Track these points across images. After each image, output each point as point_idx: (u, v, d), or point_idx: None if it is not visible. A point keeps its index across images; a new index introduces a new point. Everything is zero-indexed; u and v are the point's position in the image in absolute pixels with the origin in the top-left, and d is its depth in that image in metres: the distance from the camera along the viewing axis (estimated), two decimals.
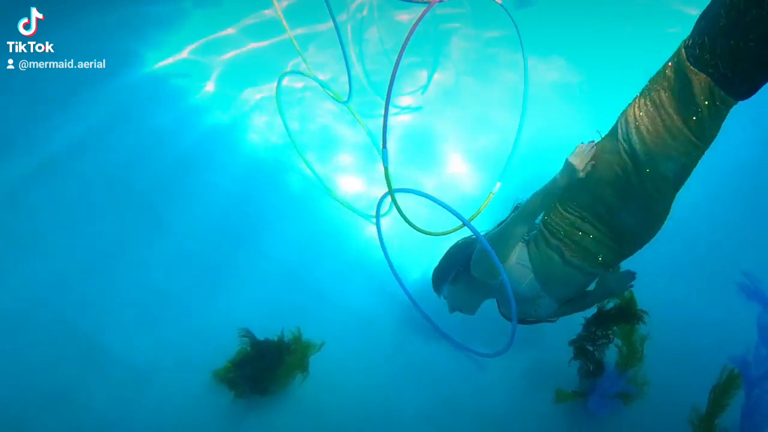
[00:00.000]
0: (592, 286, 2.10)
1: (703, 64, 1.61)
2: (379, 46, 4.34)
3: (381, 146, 1.78)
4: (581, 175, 1.85)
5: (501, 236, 1.99)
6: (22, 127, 3.62)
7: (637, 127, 1.76)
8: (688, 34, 1.67)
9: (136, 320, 2.55)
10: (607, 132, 1.92)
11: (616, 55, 4.16)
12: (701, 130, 1.70)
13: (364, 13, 4.38)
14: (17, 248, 2.85)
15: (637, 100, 1.81)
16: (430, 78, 4.11)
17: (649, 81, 1.80)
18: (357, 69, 4.05)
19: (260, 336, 2.25)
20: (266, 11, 4.81)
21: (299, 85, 4.11)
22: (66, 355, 2.39)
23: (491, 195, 2.34)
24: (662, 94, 1.72)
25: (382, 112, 3.79)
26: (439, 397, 2.30)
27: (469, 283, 2.16)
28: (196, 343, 2.44)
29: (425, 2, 1.85)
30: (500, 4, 2.17)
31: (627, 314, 2.12)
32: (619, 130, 1.82)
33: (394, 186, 1.88)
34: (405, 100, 3.99)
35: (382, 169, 1.84)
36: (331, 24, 2.16)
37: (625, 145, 1.79)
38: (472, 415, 2.25)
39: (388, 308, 2.42)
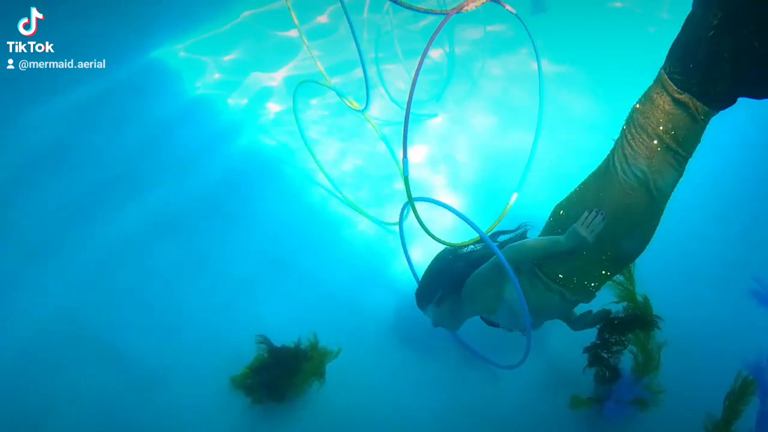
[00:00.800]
0: None
1: (687, 85, 1.69)
2: (393, 53, 4.35)
3: (401, 156, 1.77)
4: (591, 241, 1.85)
5: (483, 279, 2.05)
6: (22, 127, 3.56)
7: (636, 161, 1.80)
8: (666, 61, 1.76)
9: (153, 324, 2.55)
10: (598, 170, 1.95)
11: (631, 57, 4.13)
12: (691, 145, 1.80)
13: (378, 20, 4.38)
14: (24, 252, 2.81)
15: (626, 135, 1.84)
16: (445, 86, 4.12)
17: (634, 111, 1.84)
18: (372, 76, 4.06)
19: (277, 342, 2.24)
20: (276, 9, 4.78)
21: (315, 93, 4.11)
22: (83, 358, 2.39)
23: (507, 207, 2.33)
24: (652, 120, 1.77)
25: (399, 119, 3.80)
26: (454, 403, 2.31)
27: (455, 304, 2.17)
28: (213, 348, 2.44)
29: (443, 14, 1.84)
30: (515, 14, 2.17)
31: (641, 321, 2.14)
32: (618, 170, 1.83)
33: (413, 194, 1.87)
34: (419, 108, 3.99)
35: (401, 176, 1.83)
36: (344, 31, 2.14)
37: (632, 181, 1.82)
38: (487, 420, 2.26)
39: (403, 314, 2.41)
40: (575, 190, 2.01)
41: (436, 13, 1.92)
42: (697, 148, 1.83)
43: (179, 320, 2.56)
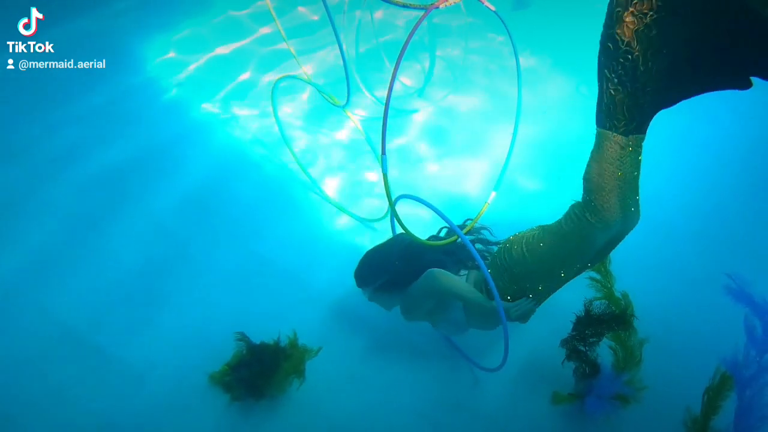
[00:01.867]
0: None
1: (619, 127, 1.70)
2: (372, 46, 4.34)
3: (380, 153, 1.78)
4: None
5: (413, 301, 2.10)
6: (22, 127, 3.61)
7: (609, 213, 1.79)
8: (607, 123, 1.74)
9: (131, 320, 2.54)
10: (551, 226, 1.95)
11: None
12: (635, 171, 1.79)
13: (357, 13, 4.38)
14: (14, 249, 2.84)
15: (590, 202, 1.81)
16: (427, 80, 4.12)
17: (588, 179, 1.80)
18: (352, 70, 4.06)
19: (256, 339, 2.24)
20: (262, 9, 4.81)
21: (295, 87, 4.11)
22: (59, 355, 2.38)
23: (486, 205, 2.32)
24: (607, 175, 1.74)
25: (379, 114, 3.79)
26: (439, 400, 2.31)
27: (397, 293, 2.17)
28: (191, 344, 2.43)
29: (422, 8, 1.85)
30: (494, 11, 2.17)
31: (619, 319, 2.14)
32: (587, 221, 1.82)
33: (393, 190, 1.87)
34: (401, 103, 3.99)
35: (382, 173, 1.83)
36: (322, 24, 2.13)
37: (599, 228, 1.82)
38: (471, 416, 2.26)
39: (385, 312, 2.41)
40: (527, 252, 1.97)
41: (415, 8, 1.92)
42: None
43: (159, 317, 2.56)
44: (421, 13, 1.84)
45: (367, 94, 3.91)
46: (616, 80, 1.65)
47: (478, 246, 2.31)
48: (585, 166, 1.83)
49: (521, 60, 2.35)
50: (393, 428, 2.23)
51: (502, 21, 2.20)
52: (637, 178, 1.78)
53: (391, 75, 1.72)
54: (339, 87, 3.96)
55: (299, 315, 2.54)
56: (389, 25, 4.71)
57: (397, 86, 4.12)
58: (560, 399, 2.20)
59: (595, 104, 1.77)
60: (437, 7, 1.83)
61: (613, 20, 1.60)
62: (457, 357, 2.44)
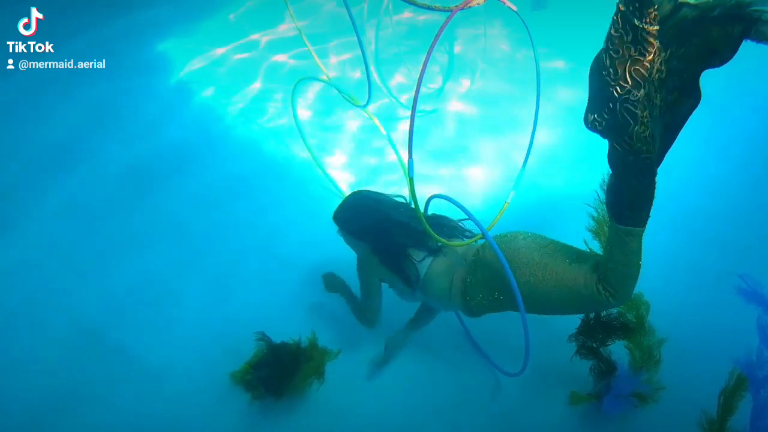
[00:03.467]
0: None
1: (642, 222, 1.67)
2: (393, 48, 4.37)
3: (406, 154, 1.76)
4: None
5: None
6: (21, 127, 3.59)
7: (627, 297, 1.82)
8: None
9: (152, 320, 2.56)
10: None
11: None
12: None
13: (380, 14, 4.40)
14: (22, 247, 2.85)
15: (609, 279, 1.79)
16: (445, 81, 4.13)
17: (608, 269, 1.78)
18: (372, 72, 4.07)
19: (276, 339, 2.24)
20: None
21: (314, 88, 4.14)
22: (81, 354, 2.39)
23: (506, 204, 2.33)
24: (617, 258, 1.73)
25: (400, 114, 3.80)
26: (456, 399, 2.31)
27: (360, 244, 2.20)
28: (212, 344, 2.44)
29: (447, 10, 1.83)
30: (515, 11, 2.17)
31: (626, 329, 2.15)
32: (606, 300, 1.80)
33: (416, 189, 1.86)
34: (419, 104, 3.99)
35: (402, 171, 1.82)
36: (344, 27, 2.13)
37: (613, 305, 1.85)
38: (489, 417, 2.27)
39: (402, 311, 2.42)
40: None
41: (440, 10, 1.89)
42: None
43: (179, 317, 2.57)
44: (442, 14, 1.82)
45: (386, 92, 3.90)
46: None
47: (447, 228, 2.26)
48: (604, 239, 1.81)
49: (540, 61, 2.35)
50: (411, 428, 2.23)
51: (523, 22, 2.20)
52: None
53: (417, 78, 1.71)
54: (357, 88, 4.00)
55: (319, 315, 2.56)
56: (409, 27, 4.74)
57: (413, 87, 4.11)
58: (578, 399, 2.20)
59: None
60: (463, 8, 1.80)
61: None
62: (476, 358, 2.45)
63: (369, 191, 2.33)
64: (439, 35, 1.61)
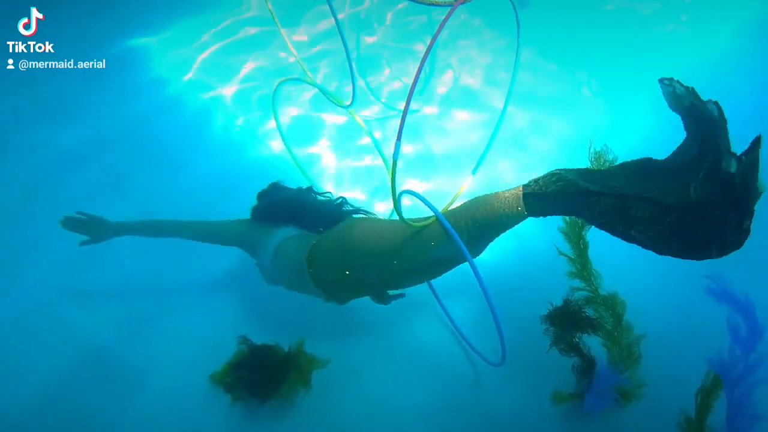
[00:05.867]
0: None
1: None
2: (376, 48, 4.38)
3: (396, 139, 1.76)
4: None
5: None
6: (21, 127, 3.62)
7: None
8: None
9: (133, 321, 2.56)
10: None
11: (611, 56, 4.24)
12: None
13: (362, 15, 4.41)
14: (13, 250, 2.85)
15: None
16: (427, 80, 4.14)
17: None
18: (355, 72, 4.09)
19: (260, 342, 2.24)
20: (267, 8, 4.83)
21: (296, 89, 4.14)
22: (61, 355, 2.39)
23: (462, 188, 2.34)
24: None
25: (382, 114, 3.76)
26: (444, 401, 2.34)
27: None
28: (194, 346, 2.44)
29: (448, 5, 1.82)
30: (513, 7, 2.17)
31: (592, 324, 2.20)
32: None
33: (393, 181, 1.87)
34: (399, 103, 4.02)
35: (381, 163, 1.81)
36: (327, 27, 2.10)
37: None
38: (477, 417, 2.29)
39: (391, 314, 2.43)
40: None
41: (440, 5, 1.88)
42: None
43: (161, 320, 2.57)
44: (428, 11, 1.82)
45: (369, 93, 3.92)
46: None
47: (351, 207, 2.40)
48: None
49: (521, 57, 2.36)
50: (394, 426, 2.26)
51: (516, 17, 2.20)
52: None
53: (400, 78, 1.72)
54: (337, 89, 4.02)
55: (306, 319, 2.55)
56: (393, 24, 4.74)
57: (398, 85, 4.17)
58: (562, 399, 2.24)
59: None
60: (464, 2, 1.80)
61: None
62: (462, 359, 2.47)
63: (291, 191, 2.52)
64: (439, 33, 1.61)
